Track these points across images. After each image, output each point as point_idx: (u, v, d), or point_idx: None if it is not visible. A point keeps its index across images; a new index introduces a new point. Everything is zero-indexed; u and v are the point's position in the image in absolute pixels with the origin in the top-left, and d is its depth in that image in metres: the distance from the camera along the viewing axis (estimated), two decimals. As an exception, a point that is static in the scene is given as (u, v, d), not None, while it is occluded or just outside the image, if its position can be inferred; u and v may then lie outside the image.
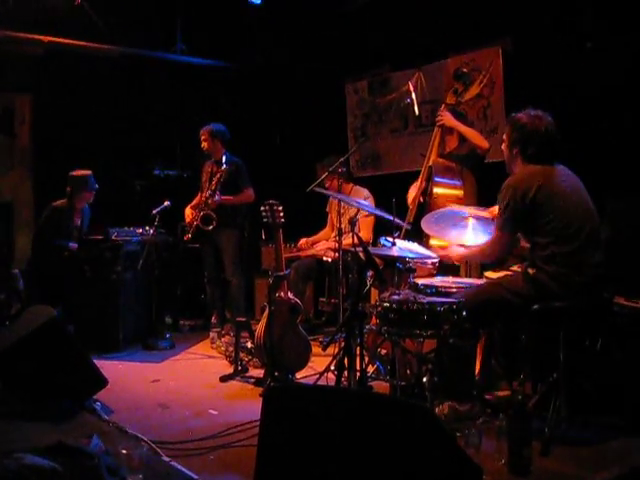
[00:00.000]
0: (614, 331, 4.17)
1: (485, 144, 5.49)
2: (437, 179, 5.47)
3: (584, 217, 3.86)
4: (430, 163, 5.59)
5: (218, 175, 6.61)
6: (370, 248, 4.31)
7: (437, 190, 5.44)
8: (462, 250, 4.35)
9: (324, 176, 5.74)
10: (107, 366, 5.13)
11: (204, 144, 6.76)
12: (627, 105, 5.47)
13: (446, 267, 4.96)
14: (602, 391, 4.11)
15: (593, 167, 5.21)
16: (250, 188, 6.76)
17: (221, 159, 6.70)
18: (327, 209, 6.86)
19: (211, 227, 6.55)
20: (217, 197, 6.58)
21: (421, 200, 5.59)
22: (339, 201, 5.77)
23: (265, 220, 5.13)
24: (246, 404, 4.56)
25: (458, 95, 5.70)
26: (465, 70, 5.85)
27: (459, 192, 5.42)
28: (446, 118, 5.59)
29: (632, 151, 5.43)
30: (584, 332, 4.04)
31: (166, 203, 6.54)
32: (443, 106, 5.69)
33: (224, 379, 5.23)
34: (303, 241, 6.74)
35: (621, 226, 4.89)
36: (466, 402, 3.88)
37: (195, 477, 3.35)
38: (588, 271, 3.77)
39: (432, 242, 5.19)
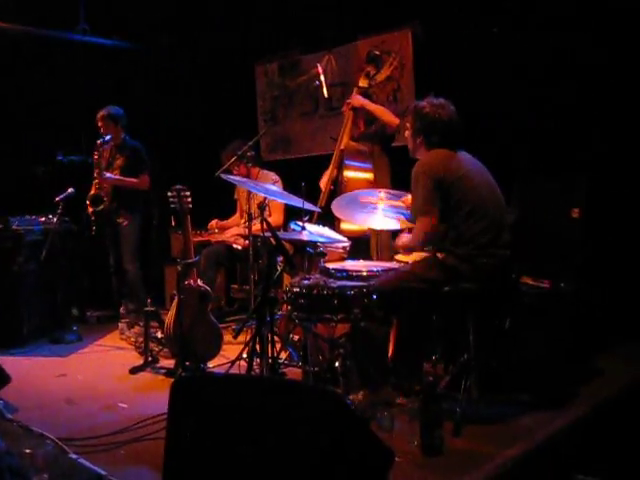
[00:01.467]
0: (521, 311, 4.30)
1: (395, 120, 5.53)
2: (347, 162, 5.49)
3: (490, 198, 3.95)
4: (342, 147, 5.61)
5: (108, 157, 6.52)
6: (280, 233, 4.31)
7: (347, 174, 5.47)
8: (405, 238, 4.38)
9: (232, 160, 5.68)
10: (10, 362, 4.99)
11: (102, 128, 6.60)
12: (534, 88, 5.62)
13: (357, 251, 5.01)
14: (511, 369, 4.23)
15: (501, 150, 5.36)
16: (146, 175, 6.62)
17: (120, 143, 6.59)
18: (235, 196, 6.80)
19: (101, 207, 6.38)
20: (107, 175, 6.45)
21: (331, 188, 5.62)
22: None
23: (173, 206, 5.06)
24: (157, 396, 4.49)
25: (370, 78, 5.73)
26: (378, 53, 5.87)
27: (369, 175, 5.46)
28: (354, 99, 5.62)
29: (539, 134, 5.58)
30: (493, 313, 4.15)
31: (70, 190, 6.34)
32: (355, 89, 5.71)
33: (134, 371, 5.16)
34: (213, 222, 6.64)
35: (527, 208, 5.03)
36: (380, 388, 3.93)
37: (103, 473, 3.29)
38: (496, 252, 3.86)
39: (343, 226, 5.23)
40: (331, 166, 5.63)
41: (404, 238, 4.40)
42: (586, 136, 5.39)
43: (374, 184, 5.30)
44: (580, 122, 5.41)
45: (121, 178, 6.53)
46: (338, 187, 5.52)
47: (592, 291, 4.78)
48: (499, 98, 5.71)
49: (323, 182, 5.67)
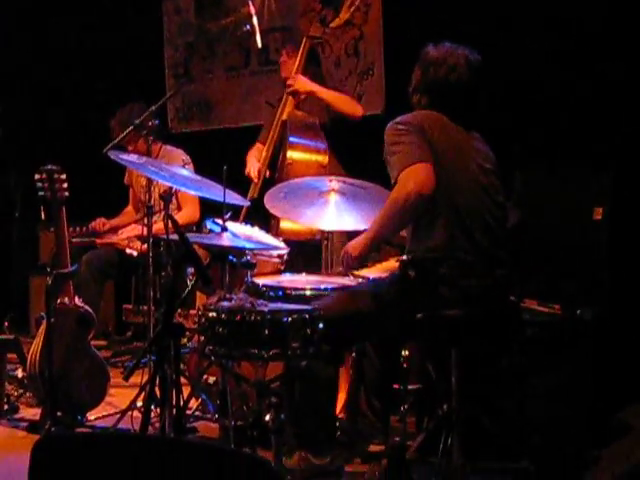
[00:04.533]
0: (523, 346, 4.31)
1: (358, 111, 5.60)
2: (293, 139, 5.51)
3: (483, 193, 3.95)
4: (285, 117, 5.60)
5: None
6: (192, 235, 4.26)
7: (292, 154, 5.50)
8: (361, 237, 4.15)
9: (126, 132, 5.58)
10: None
11: None
12: (548, 55, 5.69)
13: (302, 260, 4.99)
14: (507, 426, 4.24)
15: (496, 130, 5.39)
16: None
17: None
18: (126, 180, 6.75)
19: None
20: None
21: (268, 174, 5.60)
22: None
23: (42, 194, 4.99)
24: (15, 459, 4.44)
25: (326, 25, 5.73)
26: None
27: (322, 157, 5.50)
28: (299, 82, 5.61)
29: (547, 111, 5.64)
30: (484, 349, 4.15)
31: None
32: (295, 71, 5.66)
33: (-18, 424, 5.12)
34: (99, 221, 6.57)
35: (532, 208, 5.06)
36: (325, 451, 3.91)
37: None
38: (489, 272, 3.87)
39: (284, 225, 5.24)
40: (267, 143, 5.60)
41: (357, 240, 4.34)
42: (613, 116, 5.46)
43: (328, 169, 5.30)
44: (605, 99, 5.49)
45: None
46: (278, 173, 5.52)
47: (619, 319, 4.82)
48: (498, 62, 5.74)
49: (253, 168, 5.64)
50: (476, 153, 4.01)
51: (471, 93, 4.04)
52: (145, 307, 5.98)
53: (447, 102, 4.01)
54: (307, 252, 5.17)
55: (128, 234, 6.44)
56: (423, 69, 4.04)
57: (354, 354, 4.29)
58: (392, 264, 4.44)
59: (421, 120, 3.94)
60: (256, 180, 5.60)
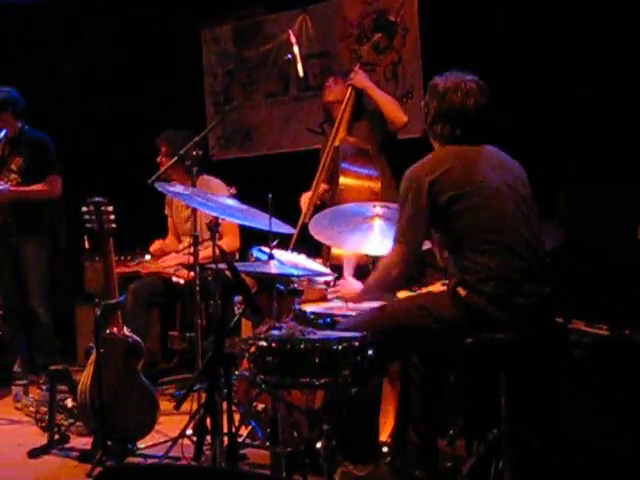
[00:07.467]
0: (571, 368, 4.28)
1: (403, 117, 5.58)
2: (345, 165, 5.53)
3: (519, 212, 3.94)
4: (337, 142, 5.62)
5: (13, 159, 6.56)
6: (239, 263, 4.28)
7: (345, 180, 5.51)
8: (357, 286, 4.38)
9: (171, 162, 5.57)
10: None
11: None
12: (588, 70, 5.67)
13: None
14: (560, 450, 4.20)
15: (539, 150, 5.38)
16: (57, 176, 6.69)
17: (16, 136, 6.62)
18: (166, 211, 6.79)
19: None
20: (3, 186, 6.48)
21: (318, 203, 5.62)
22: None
23: (89, 225, 5.02)
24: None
25: (380, 51, 5.75)
26: (392, 18, 5.90)
27: (374, 184, 5.51)
28: (358, 77, 5.65)
29: (591, 129, 5.61)
30: (534, 371, 4.13)
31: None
32: (358, 65, 5.70)
33: (34, 453, 5.11)
34: (157, 244, 6.58)
35: (576, 227, 5.04)
36: (367, 460, 3.91)
37: None
38: (535, 289, 3.85)
39: (335, 251, 5.26)
40: (317, 176, 5.62)
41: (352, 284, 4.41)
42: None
43: (380, 196, 5.31)
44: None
45: (27, 189, 6.56)
46: (330, 199, 5.56)
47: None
48: (538, 80, 5.74)
49: (305, 199, 5.68)
50: (505, 171, 4.02)
51: (487, 116, 4.06)
52: (190, 334, 6.01)
53: (469, 127, 4.02)
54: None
55: (169, 263, 6.45)
56: (438, 99, 4.06)
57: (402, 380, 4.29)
58: (438, 288, 4.44)
59: (433, 166, 3.95)
60: (305, 208, 5.61)
